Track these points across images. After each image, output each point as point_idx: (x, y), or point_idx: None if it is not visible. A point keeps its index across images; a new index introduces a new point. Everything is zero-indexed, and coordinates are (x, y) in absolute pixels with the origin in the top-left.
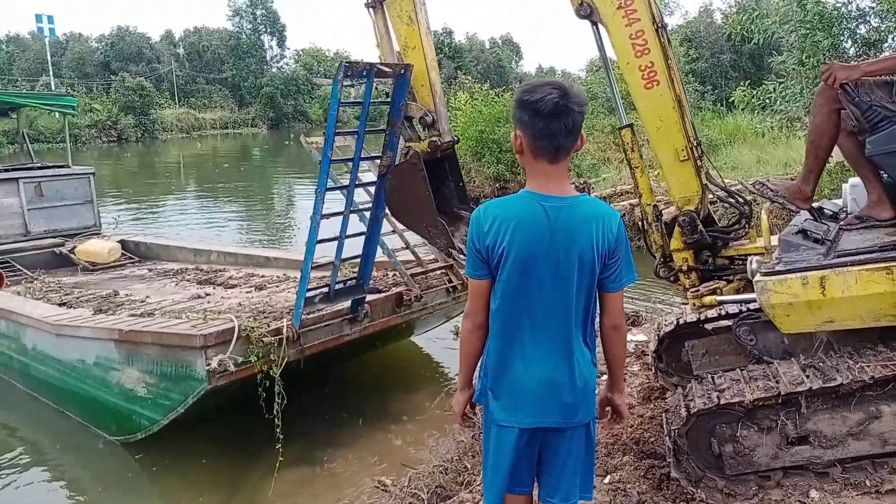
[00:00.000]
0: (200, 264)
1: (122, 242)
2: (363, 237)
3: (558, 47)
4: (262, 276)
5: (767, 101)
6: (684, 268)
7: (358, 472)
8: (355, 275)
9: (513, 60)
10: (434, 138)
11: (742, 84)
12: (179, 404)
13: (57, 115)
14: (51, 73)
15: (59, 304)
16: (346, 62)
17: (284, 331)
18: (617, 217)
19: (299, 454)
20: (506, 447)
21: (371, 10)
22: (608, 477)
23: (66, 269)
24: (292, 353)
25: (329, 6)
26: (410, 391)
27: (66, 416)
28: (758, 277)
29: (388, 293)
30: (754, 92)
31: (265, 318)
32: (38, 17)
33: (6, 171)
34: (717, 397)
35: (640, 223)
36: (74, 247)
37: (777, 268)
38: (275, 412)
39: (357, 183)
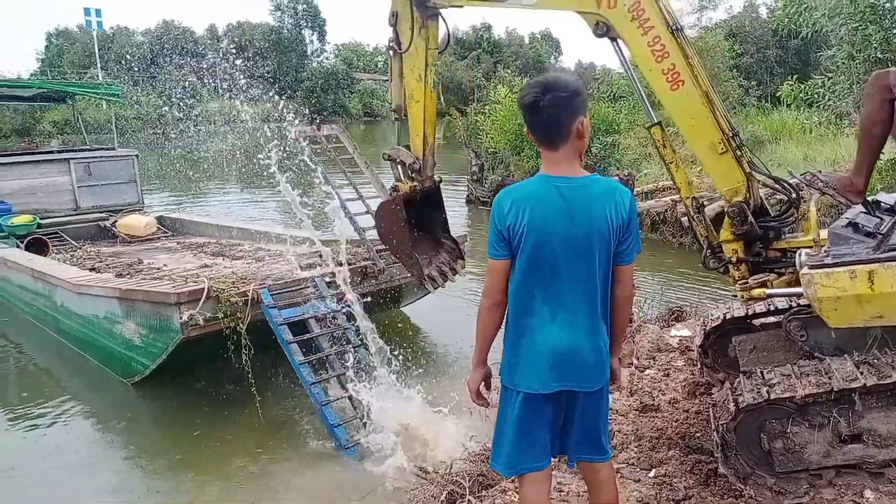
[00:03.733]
0: (222, 239)
1: (160, 218)
2: None
3: (598, 43)
4: (268, 250)
5: (815, 96)
6: (734, 259)
7: (400, 460)
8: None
9: (552, 56)
10: (416, 183)
11: (789, 79)
12: (163, 352)
13: (104, 104)
14: (98, 65)
15: (90, 270)
16: None
17: (250, 293)
18: (629, 194)
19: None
20: (534, 415)
21: (391, 52)
22: (653, 471)
23: (107, 241)
24: (258, 314)
25: (369, 1)
26: (455, 378)
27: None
28: (804, 270)
29: (353, 266)
30: (802, 86)
31: (243, 283)
32: (87, 11)
33: (59, 152)
34: (767, 392)
35: (681, 218)
36: (116, 221)
37: (825, 261)
38: (243, 361)
39: None
